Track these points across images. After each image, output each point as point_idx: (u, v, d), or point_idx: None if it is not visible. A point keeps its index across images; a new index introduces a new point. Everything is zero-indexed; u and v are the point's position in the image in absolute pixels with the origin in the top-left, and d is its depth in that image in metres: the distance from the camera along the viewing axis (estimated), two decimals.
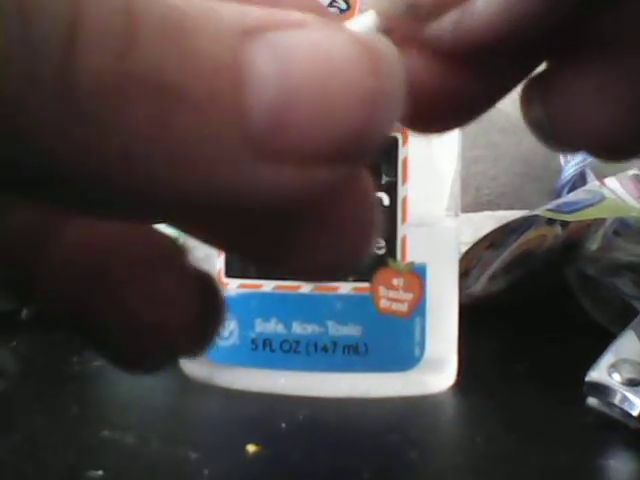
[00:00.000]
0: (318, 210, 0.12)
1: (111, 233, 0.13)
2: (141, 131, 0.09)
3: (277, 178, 0.10)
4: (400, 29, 0.13)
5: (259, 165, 0.09)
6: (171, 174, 0.09)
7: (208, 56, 0.09)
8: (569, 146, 0.14)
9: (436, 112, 0.13)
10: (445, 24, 0.12)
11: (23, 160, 0.09)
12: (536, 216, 0.41)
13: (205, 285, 0.13)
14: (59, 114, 0.09)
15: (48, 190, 0.10)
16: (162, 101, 0.09)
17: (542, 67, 0.14)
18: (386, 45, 0.10)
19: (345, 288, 0.31)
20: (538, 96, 0.13)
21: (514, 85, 0.14)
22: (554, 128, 0.13)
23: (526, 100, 0.14)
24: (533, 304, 0.43)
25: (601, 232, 0.44)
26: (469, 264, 0.42)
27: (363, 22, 0.12)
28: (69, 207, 0.11)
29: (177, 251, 0.13)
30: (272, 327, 0.31)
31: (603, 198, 0.44)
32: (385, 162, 0.31)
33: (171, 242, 0.13)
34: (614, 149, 0.13)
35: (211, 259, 0.31)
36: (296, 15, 0.10)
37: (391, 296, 0.31)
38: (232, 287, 0.31)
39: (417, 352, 0.31)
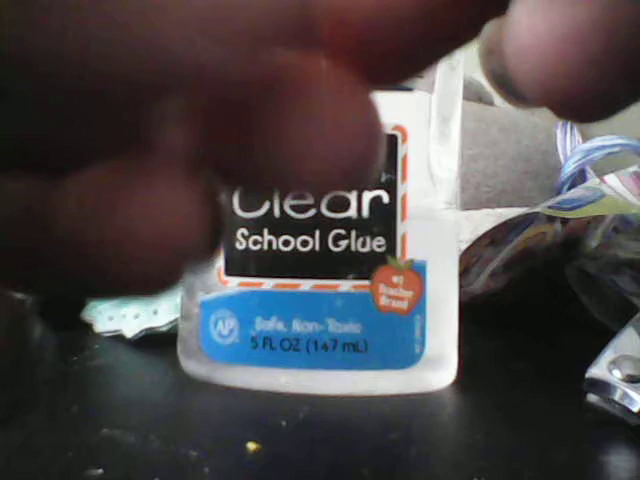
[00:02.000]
0: (295, 107, 0.11)
1: (100, 173, 0.12)
2: None
3: (218, 54, 0.09)
4: None
5: (202, 40, 0.09)
6: (115, 38, 0.09)
7: None
8: (530, 101, 0.11)
9: (406, 45, 0.12)
10: None
11: None
12: (536, 213, 0.41)
13: (206, 192, 0.12)
14: None
15: None
16: None
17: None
18: None
19: (345, 286, 0.31)
20: (494, 44, 0.11)
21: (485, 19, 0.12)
22: (512, 80, 0.11)
23: (483, 50, 0.12)
24: (533, 301, 0.43)
25: (601, 229, 0.44)
26: (469, 262, 0.42)
27: None
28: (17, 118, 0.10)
29: (175, 160, 0.12)
30: (272, 325, 0.31)
31: (603, 195, 0.44)
32: (384, 160, 0.31)
33: (169, 152, 0.12)
34: (576, 105, 0.11)
35: None
36: None
37: (391, 294, 0.31)
38: (232, 285, 0.31)
39: (417, 350, 0.31)
